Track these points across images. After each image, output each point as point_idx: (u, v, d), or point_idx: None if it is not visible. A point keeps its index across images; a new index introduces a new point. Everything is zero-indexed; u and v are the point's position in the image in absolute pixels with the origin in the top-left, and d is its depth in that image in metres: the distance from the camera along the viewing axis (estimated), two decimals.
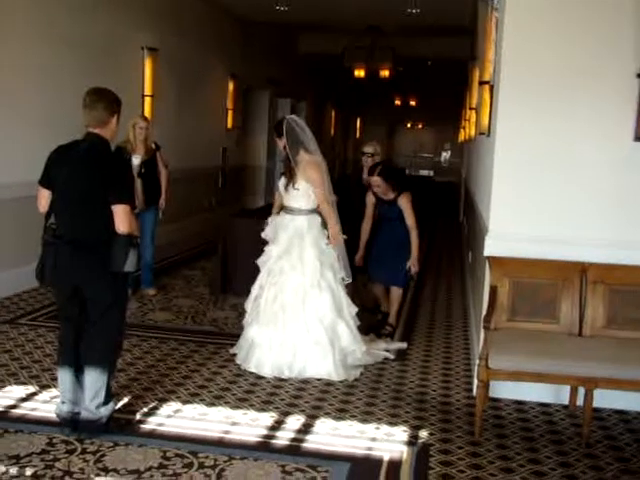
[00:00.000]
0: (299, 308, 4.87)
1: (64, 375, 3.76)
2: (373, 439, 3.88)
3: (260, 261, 5.10)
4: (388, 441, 3.86)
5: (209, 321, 6.10)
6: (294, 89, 16.70)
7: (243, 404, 4.27)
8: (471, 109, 10.45)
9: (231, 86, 12.57)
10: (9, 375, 4.53)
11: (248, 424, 3.99)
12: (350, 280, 5.18)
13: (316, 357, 4.81)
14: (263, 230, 5.21)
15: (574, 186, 4.48)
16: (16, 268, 6.36)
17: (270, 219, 5.19)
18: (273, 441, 3.79)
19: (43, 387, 4.35)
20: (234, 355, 5.08)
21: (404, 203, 5.75)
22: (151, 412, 4.08)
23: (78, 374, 3.76)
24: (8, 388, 4.32)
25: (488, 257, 4.53)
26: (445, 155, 32.77)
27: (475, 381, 4.25)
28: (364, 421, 4.11)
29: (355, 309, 5.11)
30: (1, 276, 6.36)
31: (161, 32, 9.41)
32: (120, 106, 3.77)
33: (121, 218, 3.57)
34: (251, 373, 4.79)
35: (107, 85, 3.88)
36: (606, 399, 4.31)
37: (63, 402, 3.77)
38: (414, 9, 11.00)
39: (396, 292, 5.93)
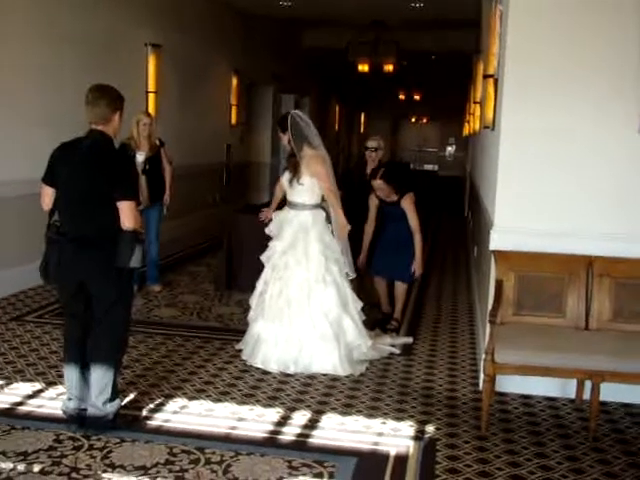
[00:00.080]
0: (304, 303, 4.87)
1: (70, 372, 3.77)
2: (379, 434, 3.88)
3: (264, 256, 5.10)
4: (394, 436, 3.86)
5: (214, 317, 6.11)
6: (298, 84, 16.67)
7: (249, 400, 4.28)
8: (475, 103, 10.41)
9: (234, 82, 12.56)
10: (16, 372, 4.55)
11: (254, 420, 3.99)
12: (354, 275, 5.18)
13: (322, 352, 4.81)
14: (266, 224, 5.22)
15: (580, 179, 4.47)
16: (21, 265, 6.37)
17: (274, 215, 5.19)
18: (279, 436, 3.80)
19: (49, 384, 4.36)
20: (240, 351, 5.08)
21: (407, 205, 5.73)
22: (157, 408, 4.09)
23: (84, 371, 3.77)
24: (15, 385, 4.33)
25: (494, 251, 4.51)
26: (450, 149, 32.71)
27: (481, 375, 4.25)
28: (370, 416, 4.11)
29: (360, 304, 5.11)
30: (7, 273, 6.38)
31: (164, 28, 9.41)
32: (123, 103, 3.77)
33: (126, 214, 3.57)
34: (257, 369, 4.79)
35: (110, 82, 3.88)
36: (613, 392, 4.30)
37: (69, 399, 3.78)
38: (418, 3, 10.98)
39: (401, 287, 5.92)
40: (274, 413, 4.09)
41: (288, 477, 3.34)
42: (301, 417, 4.05)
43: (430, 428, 3.98)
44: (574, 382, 4.41)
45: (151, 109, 8.92)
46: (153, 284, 6.86)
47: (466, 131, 16.95)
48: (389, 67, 14.15)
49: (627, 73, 4.29)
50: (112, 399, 3.73)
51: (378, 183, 5.71)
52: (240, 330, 5.41)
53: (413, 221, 5.72)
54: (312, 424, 3.96)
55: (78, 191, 3.64)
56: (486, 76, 6.56)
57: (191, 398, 4.26)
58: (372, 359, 5.06)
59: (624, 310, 4.31)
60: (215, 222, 10.48)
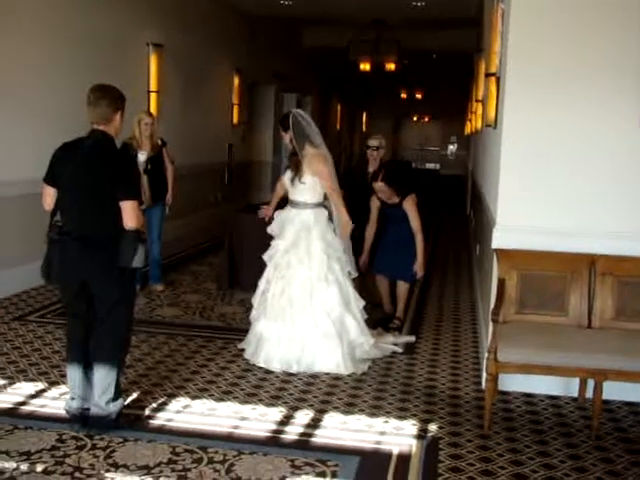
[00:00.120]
0: (307, 302, 4.87)
1: (73, 371, 3.78)
2: (382, 433, 3.87)
3: (266, 255, 5.10)
4: (397, 435, 3.86)
5: (217, 316, 6.11)
6: (300, 84, 16.67)
7: (252, 399, 4.28)
8: (477, 101, 10.41)
9: (236, 81, 12.56)
10: (18, 372, 4.55)
11: (257, 419, 3.99)
12: (356, 274, 5.18)
13: (324, 350, 4.81)
14: (266, 221, 5.23)
15: (582, 178, 4.46)
16: (24, 265, 6.37)
17: (276, 214, 5.19)
18: (282, 436, 3.80)
19: (52, 384, 4.36)
20: (242, 350, 5.08)
21: (409, 206, 5.73)
22: (160, 408, 4.09)
23: (87, 370, 3.77)
24: (17, 385, 4.33)
25: (496, 250, 4.51)
26: (451, 148, 32.68)
27: (484, 374, 4.24)
28: (373, 415, 4.11)
29: (362, 302, 5.11)
30: (9, 273, 6.39)
31: (166, 28, 9.41)
32: (124, 102, 3.77)
33: (129, 214, 3.58)
34: (260, 368, 4.80)
35: (113, 81, 3.88)
36: (616, 391, 4.29)
37: (72, 398, 3.78)
38: (419, 2, 10.98)
39: (403, 287, 5.92)
40: (277, 412, 4.09)
41: (291, 476, 3.34)
42: (304, 416, 4.05)
43: (433, 427, 3.98)
44: (577, 381, 4.40)
45: (153, 109, 8.93)
46: (155, 283, 6.86)
47: (468, 130, 16.94)
48: (390, 66, 14.15)
49: (629, 72, 4.28)
50: (115, 399, 3.73)
51: (379, 185, 5.70)
52: (242, 329, 5.41)
53: (415, 222, 5.72)
54: (315, 423, 3.96)
55: (80, 191, 3.64)
56: (488, 74, 6.55)
57: (194, 397, 4.26)
58: (374, 358, 5.06)
59: (627, 309, 4.31)
60: (217, 221, 10.49)
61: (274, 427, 3.89)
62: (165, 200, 6.78)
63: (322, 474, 3.37)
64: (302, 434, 3.82)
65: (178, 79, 10.01)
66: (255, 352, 4.91)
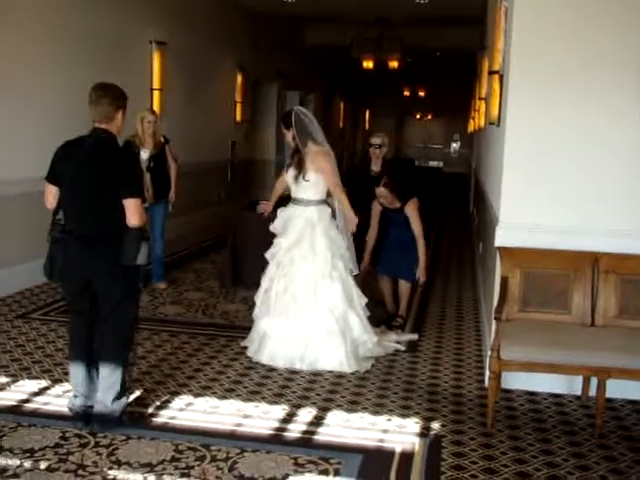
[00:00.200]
0: (310, 299, 4.87)
1: (76, 369, 3.78)
2: (385, 431, 3.87)
3: (269, 253, 5.10)
4: (400, 433, 3.86)
5: (220, 314, 6.11)
6: (302, 81, 16.66)
7: (255, 397, 4.28)
8: (480, 99, 10.39)
9: (239, 79, 12.56)
10: (22, 369, 4.56)
11: (260, 417, 3.99)
12: (357, 272, 5.18)
13: (328, 348, 4.81)
14: (266, 218, 5.24)
15: (585, 176, 4.45)
16: (27, 263, 6.37)
17: (278, 212, 5.19)
18: (285, 433, 3.80)
19: (55, 381, 4.37)
20: (245, 348, 5.08)
21: (410, 211, 5.72)
22: (163, 405, 4.09)
23: (90, 368, 3.78)
24: (21, 382, 4.34)
25: (499, 248, 4.51)
26: (454, 146, 32.63)
27: (487, 372, 4.24)
28: (376, 413, 4.11)
29: (365, 300, 5.11)
30: (13, 271, 6.40)
31: (169, 26, 9.41)
32: (126, 101, 3.77)
33: (132, 212, 3.58)
34: (262, 366, 4.80)
35: (115, 79, 3.88)
36: (619, 389, 4.29)
37: (75, 396, 3.79)
38: None
39: (405, 285, 5.92)
40: (279, 410, 4.09)
41: (294, 474, 3.35)
42: (306, 414, 4.05)
43: (436, 425, 3.98)
44: (580, 379, 4.40)
45: (156, 107, 8.93)
46: (158, 281, 6.87)
47: (471, 127, 16.92)
48: (393, 64, 14.13)
49: (634, 69, 4.27)
50: (119, 396, 3.73)
51: (381, 191, 5.69)
52: (245, 327, 5.41)
53: (416, 227, 5.71)
54: (317, 421, 3.96)
55: (83, 189, 3.64)
56: (491, 72, 6.54)
57: (197, 395, 4.27)
58: (377, 356, 5.06)
59: (630, 306, 4.30)
60: (220, 219, 10.50)
61: (277, 425, 3.89)
62: (168, 198, 6.78)
63: (325, 472, 3.37)
64: (305, 432, 3.82)
65: (181, 77, 10.01)
66: (258, 349, 4.91)
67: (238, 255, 6.99)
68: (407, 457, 3.57)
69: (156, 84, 9.17)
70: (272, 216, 5.28)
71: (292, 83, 15.60)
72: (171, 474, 3.30)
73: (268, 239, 5.18)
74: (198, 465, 3.39)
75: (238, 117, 12.68)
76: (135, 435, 3.66)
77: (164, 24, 9.29)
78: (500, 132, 5.05)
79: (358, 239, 5.36)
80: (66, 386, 4.21)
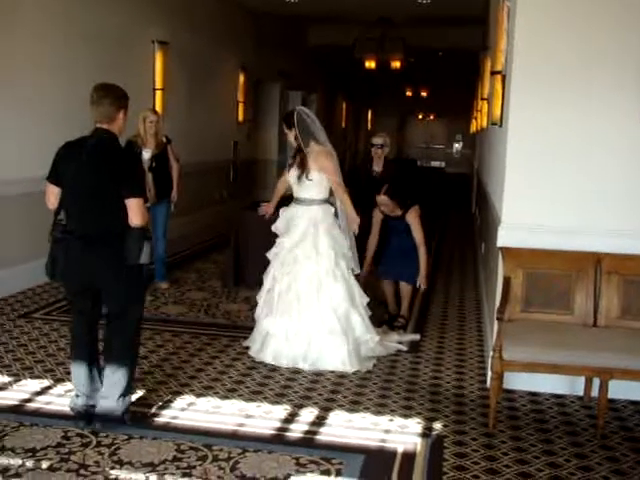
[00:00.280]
0: (314, 297, 4.87)
1: (78, 368, 3.79)
2: (387, 431, 3.87)
3: (271, 253, 5.10)
4: (402, 433, 3.86)
5: (222, 314, 6.12)
6: (305, 81, 16.66)
7: (257, 397, 4.28)
8: (483, 99, 10.38)
9: (241, 79, 12.56)
10: (24, 369, 4.56)
11: (262, 417, 3.99)
12: (359, 271, 5.19)
13: (330, 347, 4.81)
14: (266, 219, 5.23)
15: (587, 176, 4.45)
16: (29, 262, 6.38)
17: (280, 211, 5.19)
18: (287, 433, 3.80)
19: (58, 381, 4.37)
20: (247, 348, 5.08)
21: (412, 219, 5.72)
22: (165, 405, 4.09)
23: (92, 367, 3.79)
24: (23, 382, 4.35)
25: (501, 248, 4.50)
26: (457, 146, 32.61)
27: (489, 373, 4.24)
28: (378, 413, 4.11)
29: (366, 299, 5.11)
30: (15, 270, 6.40)
31: (171, 25, 9.41)
32: (127, 101, 3.77)
33: (135, 211, 3.58)
34: (264, 365, 4.80)
35: (118, 79, 3.88)
36: (621, 390, 4.28)
37: (77, 395, 3.79)
38: None
39: (406, 286, 5.91)
40: (281, 410, 4.09)
41: (295, 474, 3.35)
42: (308, 414, 4.05)
43: (438, 425, 3.98)
44: (582, 379, 4.40)
45: (158, 106, 8.93)
46: (160, 281, 6.87)
47: (473, 128, 16.91)
48: (396, 64, 14.13)
49: (635, 70, 4.27)
50: (123, 395, 3.74)
51: (382, 199, 5.69)
52: (247, 327, 5.41)
53: (418, 235, 5.71)
54: (319, 421, 3.96)
55: (85, 189, 3.64)
56: (493, 72, 6.53)
57: (199, 395, 4.27)
58: (379, 355, 5.05)
59: (632, 307, 4.30)
60: (222, 219, 10.50)
61: (279, 425, 3.89)
62: (170, 198, 6.79)
63: (327, 472, 3.37)
64: (307, 432, 3.82)
65: (183, 77, 10.01)
66: (261, 349, 4.91)
67: (240, 255, 6.99)
68: (409, 457, 3.57)
69: (158, 84, 9.17)
70: (274, 216, 5.28)
71: (294, 83, 15.60)
72: (173, 474, 3.30)
73: (270, 239, 5.18)
74: (200, 465, 3.39)
75: (240, 117, 12.69)
76: (137, 435, 3.66)
77: (167, 24, 9.29)
78: (502, 132, 5.05)
79: (359, 243, 5.34)
80: (68, 385, 4.21)
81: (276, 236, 5.14)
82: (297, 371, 4.73)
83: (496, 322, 4.11)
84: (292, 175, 5.07)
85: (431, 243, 5.99)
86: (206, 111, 10.93)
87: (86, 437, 3.62)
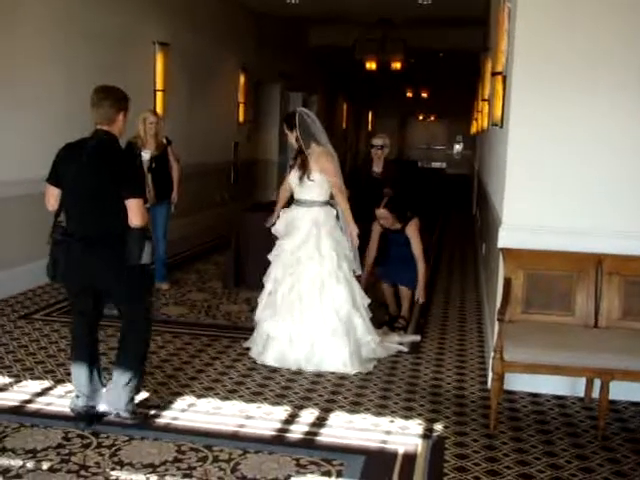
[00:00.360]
0: (316, 298, 4.86)
1: (78, 369, 3.79)
2: (388, 432, 3.87)
3: (272, 255, 5.09)
4: (403, 434, 3.86)
5: (222, 315, 6.11)
6: (305, 82, 16.66)
7: (257, 398, 4.28)
8: (483, 100, 10.38)
9: (242, 80, 12.56)
10: (24, 370, 4.56)
11: (262, 418, 3.99)
12: (360, 272, 5.19)
13: (332, 348, 4.80)
14: (267, 221, 5.22)
15: (590, 176, 4.44)
16: (30, 264, 6.37)
17: (281, 212, 5.18)
18: (287, 434, 3.79)
19: (58, 382, 4.37)
20: (247, 349, 5.08)
21: (411, 232, 5.72)
22: (166, 406, 4.09)
23: (92, 368, 3.79)
24: (24, 383, 4.34)
25: (502, 249, 4.50)
26: (457, 147, 32.60)
27: (490, 374, 4.23)
28: (378, 414, 4.10)
29: (368, 300, 5.11)
30: (15, 272, 6.40)
31: (173, 26, 9.42)
32: (127, 103, 3.77)
33: (134, 212, 3.58)
34: (265, 367, 4.79)
35: (119, 80, 3.89)
36: (622, 391, 4.28)
37: (78, 396, 3.79)
38: (425, 0, 10.95)
39: (405, 290, 5.91)
40: (282, 411, 4.09)
41: (296, 475, 3.34)
42: (309, 415, 4.05)
43: (438, 426, 3.97)
44: (583, 380, 4.39)
45: (159, 107, 8.94)
46: (161, 282, 6.86)
47: (474, 129, 16.90)
48: (396, 65, 14.14)
49: (634, 66, 4.27)
50: (129, 397, 3.77)
51: (381, 212, 5.69)
52: (248, 328, 5.41)
53: (417, 249, 5.71)
54: (320, 422, 3.96)
55: (85, 191, 3.64)
56: (494, 73, 6.53)
57: (199, 396, 4.26)
58: (380, 357, 5.05)
59: (633, 308, 4.29)
60: (223, 220, 10.50)
61: (279, 426, 3.89)
62: (170, 199, 6.79)
63: (327, 473, 3.37)
64: (307, 433, 3.81)
65: (184, 78, 10.01)
66: (263, 351, 4.90)
67: (241, 256, 6.99)
68: (410, 459, 3.56)
69: (159, 85, 9.18)
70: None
71: (295, 84, 15.60)
72: (173, 475, 3.30)
73: (271, 240, 5.18)
74: (200, 466, 3.38)
75: (241, 118, 12.69)
76: (138, 436, 3.66)
77: (167, 24, 9.30)
78: (503, 133, 5.05)
79: (359, 250, 5.32)
80: (69, 386, 4.21)
81: (277, 238, 5.13)
82: (297, 372, 4.73)
83: (497, 323, 4.11)
84: (293, 176, 5.07)
85: (430, 255, 5.97)
86: (207, 112, 10.93)
87: (86, 438, 3.62)
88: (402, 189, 6.78)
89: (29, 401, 4.07)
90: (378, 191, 6.31)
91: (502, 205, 4.63)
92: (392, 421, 4.02)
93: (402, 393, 4.46)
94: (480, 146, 13.32)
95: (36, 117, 6.57)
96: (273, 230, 5.16)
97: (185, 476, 3.29)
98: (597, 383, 4.09)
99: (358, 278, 5.18)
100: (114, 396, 3.76)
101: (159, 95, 9.18)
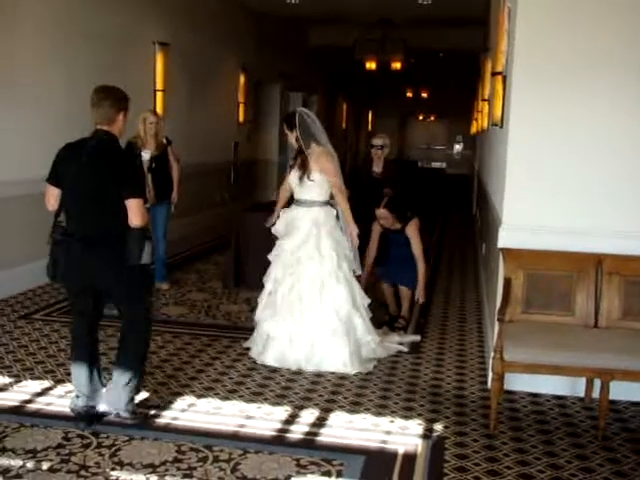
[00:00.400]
0: (316, 298, 4.86)
1: (78, 369, 3.79)
2: (388, 432, 3.87)
3: (272, 255, 5.09)
4: (403, 434, 3.86)
5: (222, 315, 6.11)
6: (305, 82, 16.66)
7: (257, 398, 4.28)
8: (483, 100, 10.39)
9: (242, 80, 12.56)
10: (24, 370, 4.56)
11: (262, 418, 3.99)
12: (360, 272, 5.19)
13: (332, 348, 4.80)
14: (267, 221, 5.22)
15: (589, 177, 4.44)
16: (30, 264, 6.37)
17: (281, 212, 5.18)
18: (287, 435, 3.79)
19: (58, 382, 4.37)
20: (247, 349, 5.08)
21: (411, 232, 5.73)
22: (166, 406, 4.09)
23: (92, 368, 3.79)
24: (24, 383, 4.34)
25: (502, 249, 4.50)
26: (457, 147, 32.61)
27: (490, 374, 4.23)
28: (378, 414, 4.10)
29: (368, 300, 5.11)
30: (15, 272, 6.40)
31: (173, 26, 9.42)
32: (127, 103, 3.78)
33: (134, 212, 3.58)
34: (265, 367, 4.79)
35: (119, 80, 3.89)
36: (622, 391, 4.27)
37: (78, 396, 3.79)
38: (425, 0, 10.95)
39: (405, 290, 5.91)
40: (282, 411, 4.09)
41: (296, 475, 3.34)
42: (309, 415, 4.05)
43: (438, 426, 3.97)
44: (583, 380, 4.39)
45: (159, 107, 8.94)
46: (161, 282, 6.86)
47: (474, 129, 16.90)
48: (396, 65, 14.14)
49: (637, 69, 4.27)
50: (129, 397, 3.77)
51: (381, 212, 5.69)
52: (248, 328, 5.41)
53: (417, 249, 5.71)
54: (320, 422, 3.96)
55: (85, 191, 3.64)
56: (494, 73, 6.53)
57: (199, 396, 4.26)
58: (380, 357, 5.05)
59: (634, 308, 4.29)
60: (223, 220, 10.50)
61: (279, 426, 3.89)
62: (170, 199, 6.79)
63: (327, 473, 3.37)
64: (307, 433, 3.81)
65: (184, 78, 10.01)
66: (263, 351, 4.90)
67: (241, 256, 6.99)
68: (410, 459, 3.56)
69: (159, 85, 9.18)
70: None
71: (295, 84, 15.60)
72: (173, 475, 3.30)
73: (271, 240, 5.17)
74: (200, 466, 3.38)
75: (241, 118, 12.69)
76: (138, 436, 3.66)
77: (167, 24, 9.30)
78: (503, 133, 5.05)
79: (359, 250, 5.32)
80: (69, 386, 4.21)
81: (277, 237, 5.13)
82: (297, 372, 4.73)
83: (497, 323, 4.11)
84: (293, 176, 5.06)
85: (430, 255, 5.97)
86: (207, 112, 10.93)
87: (86, 438, 3.62)
88: (402, 189, 6.79)
89: (29, 401, 4.07)
90: (378, 191, 6.31)
91: (502, 205, 4.63)
92: (392, 421, 4.02)
93: (402, 393, 4.46)
94: (480, 146, 13.32)
95: (36, 117, 6.57)
96: (273, 230, 5.16)
97: (185, 476, 3.29)
98: (597, 383, 4.08)
99: (358, 278, 5.18)
100: (114, 396, 3.77)
101: (159, 95, 9.18)
